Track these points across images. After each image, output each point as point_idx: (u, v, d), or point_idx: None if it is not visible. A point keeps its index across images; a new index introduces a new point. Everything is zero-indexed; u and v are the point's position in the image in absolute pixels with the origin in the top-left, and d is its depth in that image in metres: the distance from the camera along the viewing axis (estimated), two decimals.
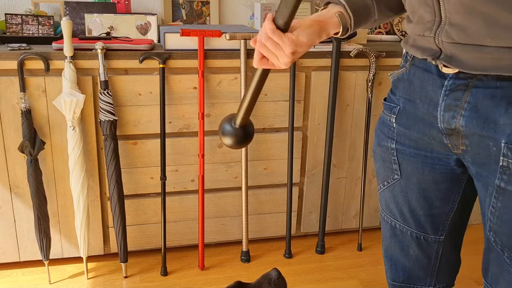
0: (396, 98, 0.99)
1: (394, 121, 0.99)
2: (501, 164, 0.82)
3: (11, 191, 1.76)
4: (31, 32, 1.84)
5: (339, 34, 0.93)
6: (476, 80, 0.81)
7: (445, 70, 0.85)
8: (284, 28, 0.81)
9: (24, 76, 1.64)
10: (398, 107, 0.98)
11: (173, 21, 2.24)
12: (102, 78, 1.67)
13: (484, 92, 0.80)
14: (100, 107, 1.68)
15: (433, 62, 0.86)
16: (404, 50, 0.97)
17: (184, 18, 2.26)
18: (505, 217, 0.84)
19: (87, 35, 1.90)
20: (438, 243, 1.05)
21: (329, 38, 2.02)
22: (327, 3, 0.94)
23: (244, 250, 1.97)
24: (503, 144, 0.80)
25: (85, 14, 1.90)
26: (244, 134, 0.94)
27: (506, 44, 0.74)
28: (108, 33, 1.87)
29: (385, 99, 1.03)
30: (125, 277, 1.85)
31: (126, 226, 1.83)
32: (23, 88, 1.63)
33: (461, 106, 0.83)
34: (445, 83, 0.85)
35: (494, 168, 0.83)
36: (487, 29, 0.74)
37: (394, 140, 0.99)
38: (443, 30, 0.80)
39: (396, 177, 1.02)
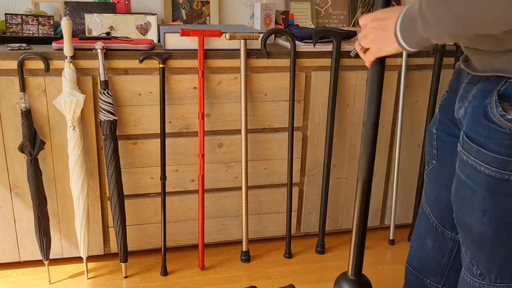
0: (449, 87, 1.05)
1: (439, 107, 1.04)
2: (458, 150, 0.88)
3: (11, 191, 1.76)
4: (31, 32, 1.84)
5: None
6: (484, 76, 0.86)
7: None
8: None
9: (24, 76, 1.64)
10: (445, 95, 1.03)
11: (173, 21, 2.24)
12: (102, 78, 1.67)
13: (480, 85, 0.85)
14: (100, 107, 1.68)
15: (462, 66, 0.94)
16: None
17: (184, 18, 2.26)
18: (454, 200, 0.91)
19: (87, 35, 1.90)
20: (454, 242, 1.06)
21: (329, 38, 2.03)
22: None
23: (244, 250, 1.97)
24: (462, 133, 0.86)
25: (85, 14, 1.90)
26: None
27: (498, 48, 0.79)
28: (108, 33, 1.87)
29: None
30: (125, 277, 1.85)
31: (126, 226, 1.83)
32: (23, 88, 1.63)
33: (467, 98, 0.88)
34: (467, 75, 0.91)
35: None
36: (480, 38, 0.81)
37: (436, 125, 1.04)
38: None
39: (433, 161, 1.05)
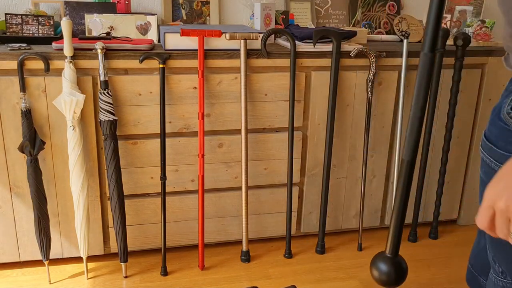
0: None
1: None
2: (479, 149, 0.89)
3: (11, 191, 1.76)
4: (31, 32, 1.84)
5: None
6: None
7: None
8: None
9: (24, 76, 1.64)
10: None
11: (173, 21, 2.24)
12: (102, 78, 1.67)
13: (508, 85, 0.86)
14: (100, 107, 1.68)
15: (502, 59, 0.95)
16: None
17: (184, 18, 2.26)
18: (480, 197, 0.89)
19: (87, 35, 1.90)
20: None
21: (329, 38, 2.02)
22: None
23: (244, 250, 1.97)
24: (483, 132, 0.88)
25: (85, 14, 1.90)
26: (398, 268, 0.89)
27: None
28: (108, 33, 1.87)
29: None
30: (125, 277, 1.85)
31: (126, 226, 1.83)
32: (23, 88, 1.63)
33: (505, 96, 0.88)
34: None
35: None
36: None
37: None
38: None
39: None
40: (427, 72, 0.84)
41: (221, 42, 1.78)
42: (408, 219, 2.23)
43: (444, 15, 2.38)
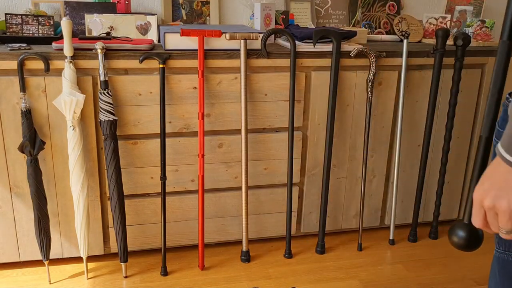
0: None
1: None
2: None
3: (11, 191, 1.76)
4: (31, 32, 1.84)
5: None
6: None
7: None
8: None
9: (24, 76, 1.64)
10: None
11: (173, 21, 2.25)
12: (102, 78, 1.67)
13: None
14: (100, 107, 1.68)
15: None
16: None
17: (184, 18, 2.26)
18: None
19: (87, 35, 1.90)
20: None
21: (329, 38, 2.03)
22: None
23: (244, 250, 1.97)
24: None
25: (85, 14, 1.90)
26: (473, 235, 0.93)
27: None
28: (108, 33, 1.87)
29: None
30: (125, 277, 1.85)
31: (126, 226, 1.83)
32: (23, 88, 1.63)
33: None
34: None
35: None
36: None
37: None
38: None
39: None
40: (505, 58, 0.94)
41: (221, 42, 1.78)
42: (408, 219, 2.23)
43: (444, 15, 2.38)
